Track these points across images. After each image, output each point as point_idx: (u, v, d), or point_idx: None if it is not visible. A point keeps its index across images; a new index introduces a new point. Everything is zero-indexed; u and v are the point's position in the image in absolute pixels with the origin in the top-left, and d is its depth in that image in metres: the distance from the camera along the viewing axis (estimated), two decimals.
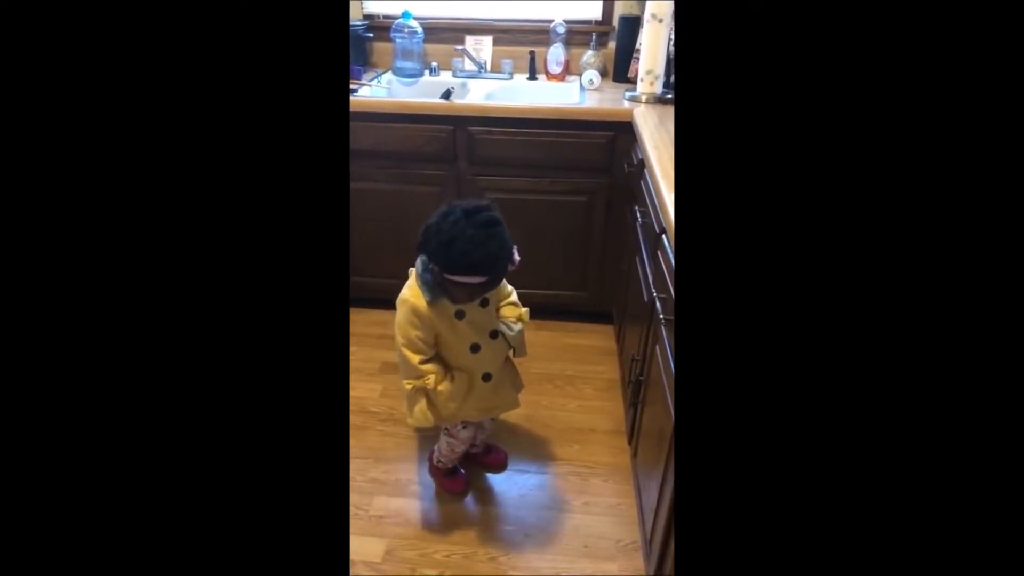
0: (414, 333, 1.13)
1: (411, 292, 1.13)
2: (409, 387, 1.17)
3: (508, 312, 1.23)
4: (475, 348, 1.17)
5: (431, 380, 1.16)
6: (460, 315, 1.14)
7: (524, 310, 1.25)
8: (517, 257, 1.10)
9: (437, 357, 1.19)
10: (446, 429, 1.31)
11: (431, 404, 1.18)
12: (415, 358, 1.15)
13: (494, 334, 1.20)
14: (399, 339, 1.16)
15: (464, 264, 1.01)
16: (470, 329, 1.16)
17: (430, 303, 1.11)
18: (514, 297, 1.26)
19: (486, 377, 1.21)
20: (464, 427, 1.29)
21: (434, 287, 1.09)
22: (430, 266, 1.08)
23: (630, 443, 1.46)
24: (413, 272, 1.16)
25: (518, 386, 1.31)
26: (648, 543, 1.13)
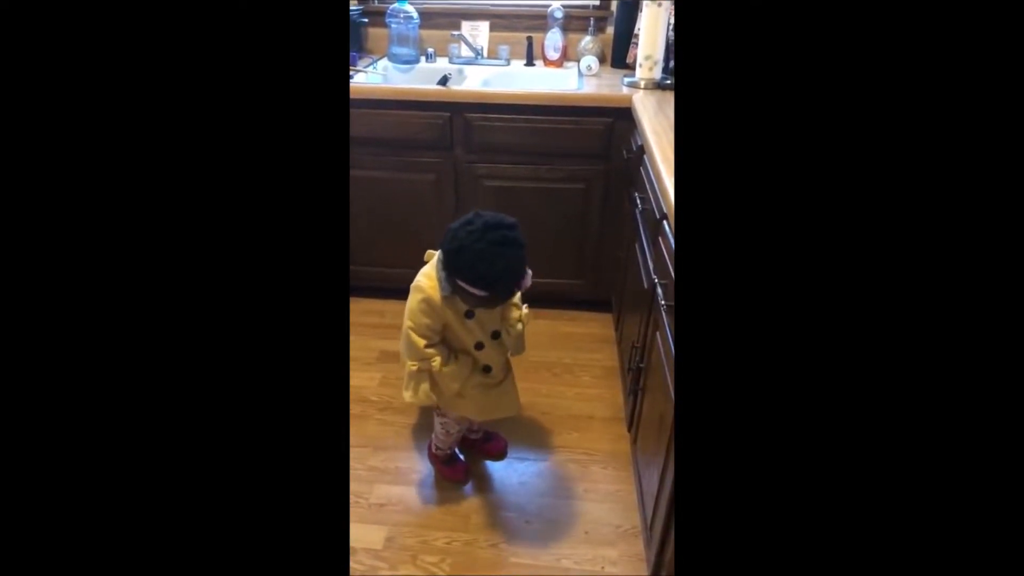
0: (424, 321, 1.15)
1: (428, 282, 1.13)
2: (413, 367, 1.18)
3: (509, 313, 1.25)
4: (479, 346, 1.21)
5: (436, 362, 1.17)
6: (470, 315, 1.16)
7: (525, 312, 1.26)
8: (528, 282, 1.11)
9: (442, 342, 1.20)
10: (438, 409, 1.32)
11: (434, 384, 1.20)
12: (421, 342, 1.16)
13: (496, 334, 1.22)
14: (408, 323, 1.16)
15: (467, 275, 1.03)
16: (477, 328, 1.19)
17: (445, 299, 1.13)
18: (517, 297, 1.26)
19: (487, 369, 1.23)
20: None
21: (447, 285, 1.11)
22: (445, 262, 1.11)
23: (629, 430, 1.46)
24: (433, 259, 1.16)
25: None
26: (648, 528, 1.14)
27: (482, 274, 1.01)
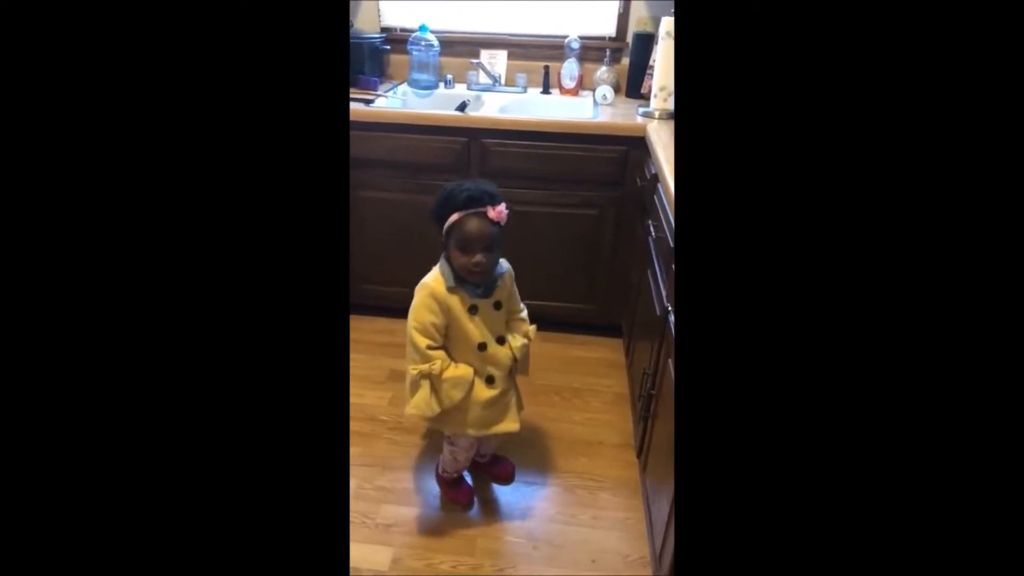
0: (428, 318, 1.16)
1: (433, 278, 1.18)
2: (415, 372, 1.17)
3: (516, 326, 1.27)
4: (482, 347, 1.20)
5: (437, 365, 1.16)
6: (474, 310, 1.17)
7: (531, 327, 1.28)
8: (505, 211, 1.14)
9: (445, 350, 1.20)
10: (447, 437, 1.31)
11: (435, 392, 1.18)
12: (424, 342, 1.16)
13: (501, 340, 1.23)
14: (411, 322, 1.17)
15: (454, 201, 1.11)
16: (482, 326, 1.19)
17: (450, 289, 1.15)
18: (524, 314, 1.29)
19: (490, 379, 1.22)
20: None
21: (453, 274, 1.15)
22: (446, 252, 1.16)
23: (639, 457, 1.45)
24: (437, 266, 1.20)
25: (520, 405, 1.32)
26: (658, 559, 1.13)
27: (466, 188, 1.12)
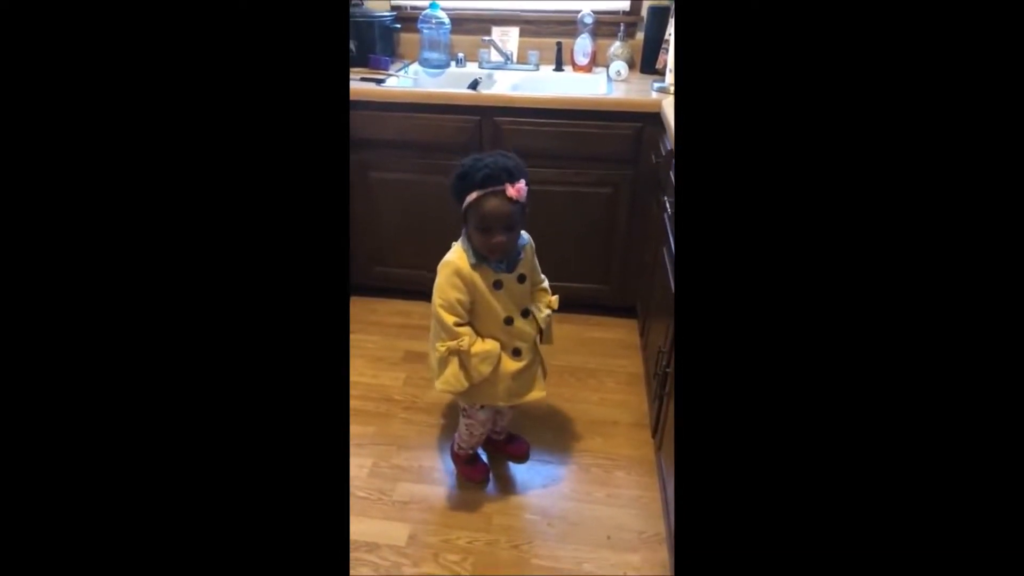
0: (454, 295, 1.15)
1: (456, 255, 1.17)
2: (443, 349, 1.17)
3: (539, 297, 1.27)
4: (509, 321, 1.20)
5: (465, 341, 1.16)
6: (498, 285, 1.17)
7: (554, 297, 1.28)
8: (524, 188, 1.10)
9: (470, 326, 1.20)
10: (464, 410, 1.32)
11: (463, 367, 1.19)
12: (451, 319, 1.16)
13: (526, 312, 1.23)
14: (437, 301, 1.17)
15: (474, 178, 1.08)
16: (507, 300, 1.19)
17: (473, 266, 1.14)
18: (545, 284, 1.29)
19: (516, 352, 1.22)
20: (482, 407, 1.30)
21: (475, 251, 1.14)
22: (466, 229, 1.14)
23: (654, 436, 1.45)
24: (456, 244, 1.19)
25: (544, 372, 1.33)
26: (673, 536, 1.13)
27: (484, 165, 1.08)
